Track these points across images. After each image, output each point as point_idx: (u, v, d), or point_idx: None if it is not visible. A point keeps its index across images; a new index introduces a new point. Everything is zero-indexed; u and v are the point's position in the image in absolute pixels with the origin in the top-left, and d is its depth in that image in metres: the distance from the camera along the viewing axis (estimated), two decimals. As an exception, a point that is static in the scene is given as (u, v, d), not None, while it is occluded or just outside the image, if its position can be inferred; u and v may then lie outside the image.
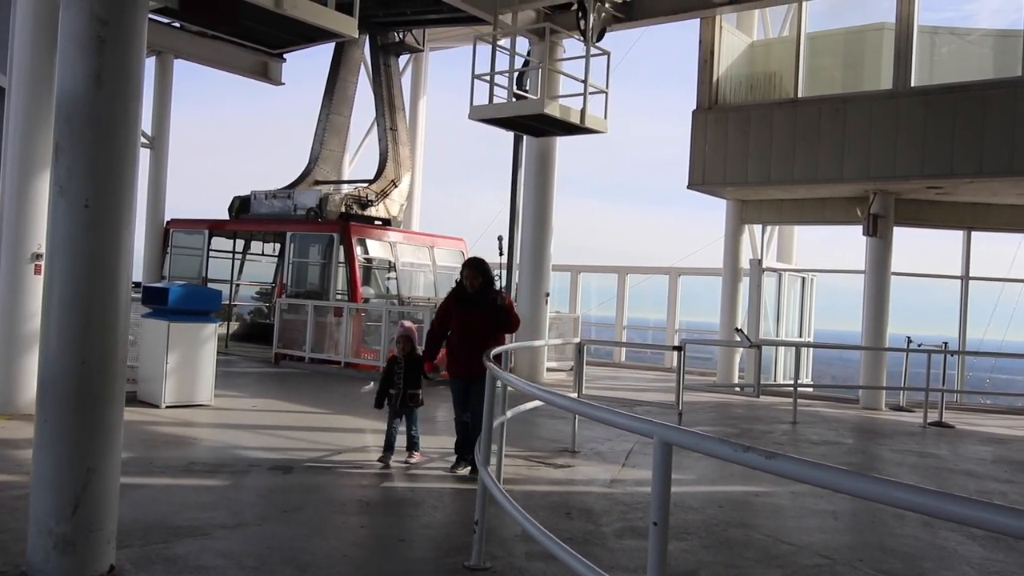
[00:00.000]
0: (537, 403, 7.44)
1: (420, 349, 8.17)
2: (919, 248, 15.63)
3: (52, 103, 5.46)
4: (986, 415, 13.89)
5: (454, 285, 7.90)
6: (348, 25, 10.95)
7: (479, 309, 7.24)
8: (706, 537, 5.60)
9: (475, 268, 7.46)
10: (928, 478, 8.31)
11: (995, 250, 16.01)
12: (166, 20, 10.94)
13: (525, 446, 8.29)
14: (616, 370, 18.07)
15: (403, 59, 19.17)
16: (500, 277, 12.43)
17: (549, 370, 15.42)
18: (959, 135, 13.04)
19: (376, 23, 16.42)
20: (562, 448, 8.42)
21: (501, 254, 14.12)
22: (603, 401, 10.60)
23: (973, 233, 15.75)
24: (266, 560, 4.56)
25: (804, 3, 15.19)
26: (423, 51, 19.67)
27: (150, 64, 15.17)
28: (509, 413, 6.52)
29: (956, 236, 15.80)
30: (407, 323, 8.60)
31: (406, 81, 19.53)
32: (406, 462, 7.55)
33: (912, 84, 13.71)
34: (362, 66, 19.01)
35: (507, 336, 9.18)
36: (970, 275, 16.12)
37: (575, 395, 8.41)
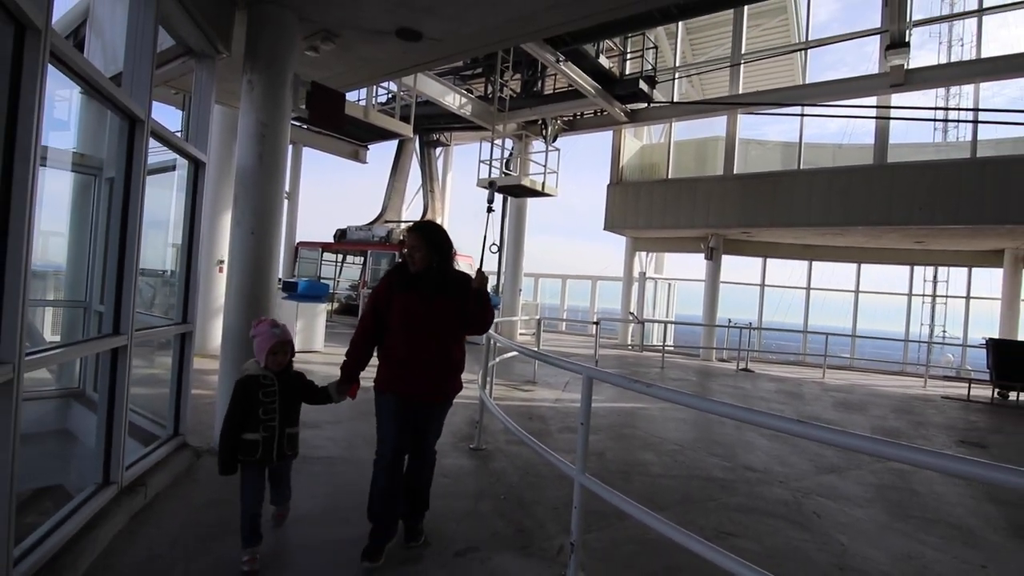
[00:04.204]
0: (514, 353, 7.45)
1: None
2: (736, 267, 15.70)
3: (232, 170, 5.43)
4: (772, 364, 14.07)
5: (395, 263, 3.57)
6: (406, 129, 10.90)
7: (434, 297, 2.70)
8: (610, 432, 5.62)
9: (422, 235, 2.72)
10: (738, 399, 8.30)
11: (780, 270, 16.19)
12: (300, 123, 10.81)
13: (506, 378, 8.26)
14: (560, 335, 18.11)
15: (439, 149, 19.01)
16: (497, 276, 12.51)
17: (521, 334, 15.42)
18: (760, 201, 13.15)
19: (423, 128, 16.32)
20: (527, 380, 8.39)
21: (495, 252, 13.89)
22: (553, 353, 10.62)
23: (768, 259, 15.90)
24: (352, 442, 4.56)
25: (673, 123, 15.27)
26: (450, 145, 19.51)
27: (291, 149, 15.04)
28: (497, 359, 6.54)
29: (757, 261, 15.94)
30: (270, 321, 2.76)
31: (440, 162, 19.36)
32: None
33: (735, 172, 13.80)
34: (414, 153, 18.87)
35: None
36: (766, 283, 16.28)
37: (536, 349, 8.42)
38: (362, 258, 17.44)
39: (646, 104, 13.05)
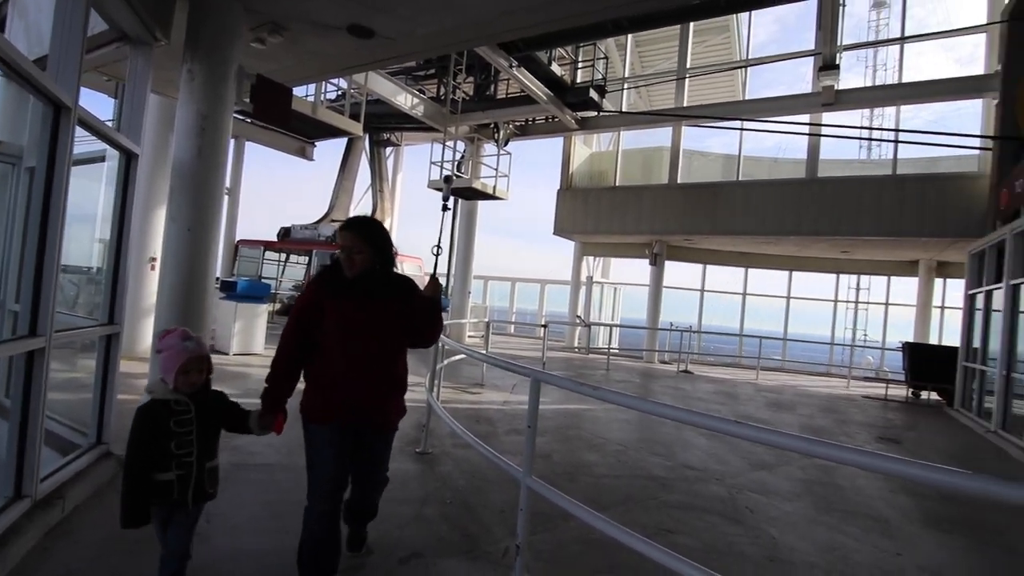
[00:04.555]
0: (462, 356, 7.41)
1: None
2: (679, 273, 16.20)
3: (168, 163, 5.15)
4: (711, 366, 14.59)
5: (323, 267, 2.50)
6: (356, 127, 10.70)
7: (377, 304, 2.24)
8: (556, 434, 5.66)
9: (362, 233, 2.24)
10: (678, 400, 8.58)
11: (719, 276, 16.84)
12: (243, 117, 10.37)
13: (454, 381, 8.18)
14: (508, 338, 18.16)
15: (390, 149, 18.70)
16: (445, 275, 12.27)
17: (469, 336, 15.35)
18: (701, 210, 13.65)
19: (374, 127, 16.02)
20: (475, 382, 8.36)
21: (437, 255, 13.24)
22: (501, 356, 10.62)
23: (708, 266, 16.50)
24: (293, 448, 4.40)
25: (621, 132, 15.63)
26: (401, 145, 19.24)
27: (233, 143, 14.39)
28: (445, 361, 6.48)
29: (698, 267, 16.51)
30: (181, 332, 2.17)
31: (391, 162, 19.04)
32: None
33: (678, 181, 14.27)
34: (364, 152, 18.48)
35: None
36: (705, 288, 16.90)
37: (485, 351, 8.40)
38: (307, 258, 16.94)
39: (596, 112, 13.29)
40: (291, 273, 17.69)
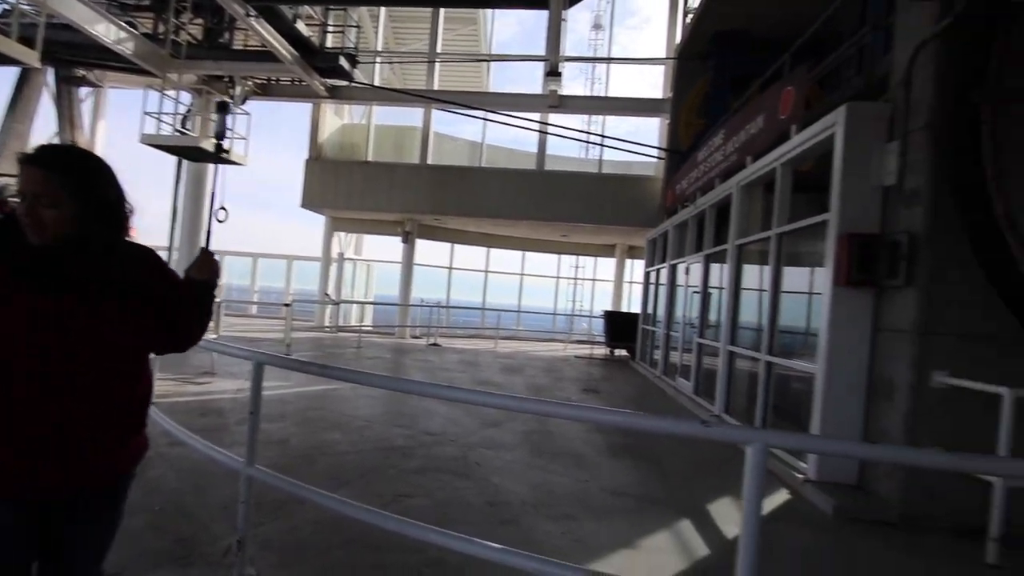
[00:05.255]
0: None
1: None
2: (429, 251, 16.74)
3: None
4: (458, 338, 15.58)
5: None
6: (29, 56, 8.26)
7: (88, 296, 1.28)
8: (296, 417, 5.40)
9: (52, 169, 1.26)
10: (425, 372, 8.85)
11: (466, 254, 17.90)
12: None
13: (177, 371, 7.08)
14: (250, 319, 16.47)
15: (86, 90, 14.87)
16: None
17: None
18: (450, 191, 14.32)
19: (61, 59, 12.49)
20: (205, 371, 7.39)
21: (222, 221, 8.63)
22: (239, 340, 9.59)
23: (456, 245, 17.43)
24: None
25: (374, 106, 15.30)
26: (103, 86, 15.49)
27: None
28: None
29: (447, 246, 17.30)
30: None
31: (88, 106, 15.17)
32: None
33: (428, 162, 14.67)
34: (46, 89, 14.32)
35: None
36: (453, 266, 17.85)
37: (214, 336, 7.43)
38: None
39: (347, 82, 12.72)
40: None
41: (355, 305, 16.62)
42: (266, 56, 11.21)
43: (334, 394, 6.65)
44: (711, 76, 10.23)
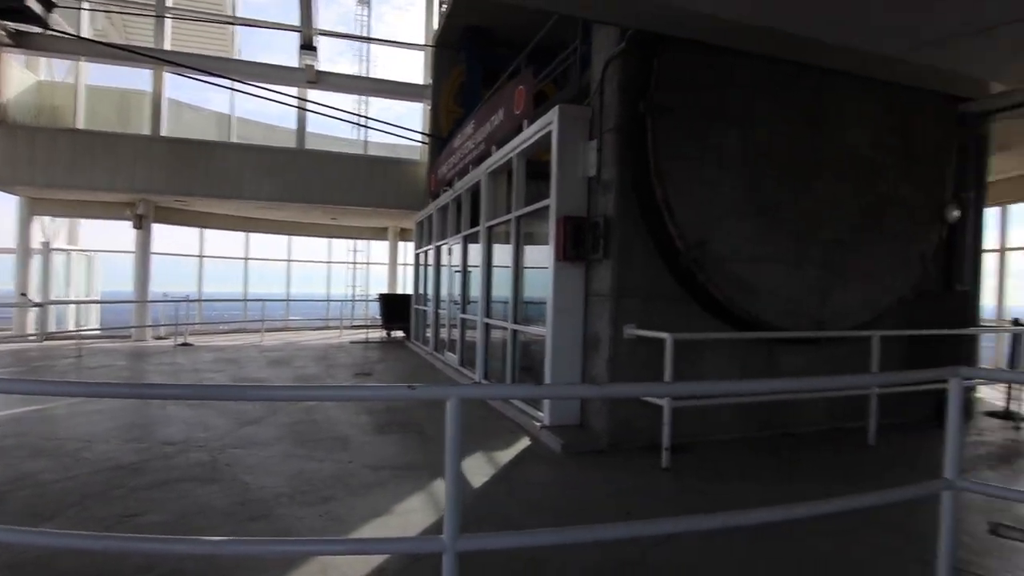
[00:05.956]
0: None
1: None
2: (172, 237, 14.51)
3: None
4: (215, 335, 13.93)
5: None
6: None
7: None
8: (-23, 451, 4.32)
9: None
10: (170, 376, 7.87)
11: (220, 240, 15.97)
12: None
13: None
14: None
15: None
16: None
17: None
18: (194, 170, 12.55)
19: None
20: None
21: None
22: None
23: (206, 230, 15.36)
24: None
25: (83, 61, 12.44)
26: None
27: None
28: None
29: (195, 231, 15.16)
30: None
31: None
32: None
33: (162, 134, 12.59)
34: None
35: None
36: (204, 254, 15.73)
37: None
38: None
39: (41, 30, 10.09)
40: None
41: (72, 306, 13.52)
42: None
43: (41, 415, 5.46)
44: (465, 67, 10.82)
